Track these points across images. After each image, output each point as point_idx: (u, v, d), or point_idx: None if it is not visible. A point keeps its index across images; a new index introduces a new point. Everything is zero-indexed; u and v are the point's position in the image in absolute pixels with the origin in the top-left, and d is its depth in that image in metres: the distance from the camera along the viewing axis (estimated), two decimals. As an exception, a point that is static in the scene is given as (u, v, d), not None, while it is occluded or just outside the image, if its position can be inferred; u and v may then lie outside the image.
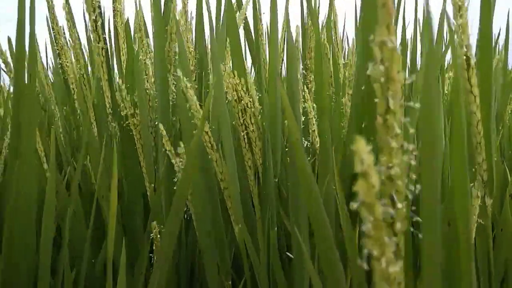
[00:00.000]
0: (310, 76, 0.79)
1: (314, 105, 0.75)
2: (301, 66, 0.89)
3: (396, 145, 0.22)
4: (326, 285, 0.50)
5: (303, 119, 0.77)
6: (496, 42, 1.00)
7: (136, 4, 1.02)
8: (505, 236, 0.70)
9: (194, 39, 0.91)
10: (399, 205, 0.24)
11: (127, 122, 0.73)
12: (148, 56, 0.77)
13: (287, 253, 0.66)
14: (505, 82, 0.91)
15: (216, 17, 0.87)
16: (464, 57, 0.35)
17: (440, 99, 0.19)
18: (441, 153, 0.21)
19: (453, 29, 0.34)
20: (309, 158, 0.80)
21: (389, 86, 0.19)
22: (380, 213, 0.17)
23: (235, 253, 0.83)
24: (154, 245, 0.61)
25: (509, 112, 0.94)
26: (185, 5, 0.90)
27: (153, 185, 0.75)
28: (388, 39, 0.17)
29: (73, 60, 0.96)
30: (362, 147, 0.15)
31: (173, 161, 0.65)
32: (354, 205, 0.16)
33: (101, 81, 0.78)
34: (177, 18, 0.84)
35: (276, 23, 0.64)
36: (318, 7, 0.98)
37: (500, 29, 1.04)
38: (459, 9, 0.34)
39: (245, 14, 0.73)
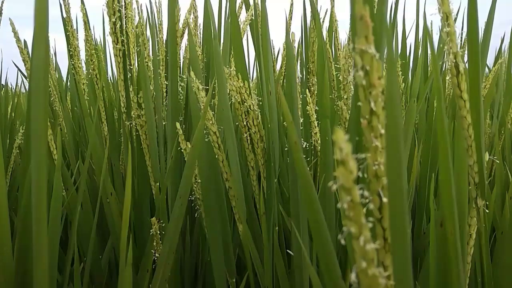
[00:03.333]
0: (312, 80, 0.81)
1: (317, 107, 0.76)
2: (298, 69, 0.91)
3: (380, 145, 0.23)
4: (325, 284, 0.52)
5: (304, 120, 0.79)
6: (500, 47, 1.01)
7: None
8: (506, 239, 0.71)
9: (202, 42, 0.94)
10: (385, 200, 0.25)
11: (130, 122, 0.74)
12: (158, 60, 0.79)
13: (288, 250, 0.68)
14: (508, 86, 0.92)
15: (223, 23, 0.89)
16: (453, 63, 0.37)
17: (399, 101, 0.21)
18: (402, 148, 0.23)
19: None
20: (309, 159, 0.81)
21: (371, 91, 0.21)
22: (357, 196, 0.18)
23: (237, 252, 0.84)
24: (155, 241, 0.63)
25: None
26: (195, 10, 0.93)
27: (158, 183, 0.77)
28: (367, 47, 0.19)
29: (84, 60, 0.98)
30: (340, 137, 0.17)
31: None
32: (334, 187, 0.18)
33: (118, 81, 0.80)
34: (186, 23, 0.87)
35: (268, 31, 0.66)
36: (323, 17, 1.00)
37: (504, 34, 1.05)
38: (447, 18, 0.36)
39: (251, 18, 0.75)
